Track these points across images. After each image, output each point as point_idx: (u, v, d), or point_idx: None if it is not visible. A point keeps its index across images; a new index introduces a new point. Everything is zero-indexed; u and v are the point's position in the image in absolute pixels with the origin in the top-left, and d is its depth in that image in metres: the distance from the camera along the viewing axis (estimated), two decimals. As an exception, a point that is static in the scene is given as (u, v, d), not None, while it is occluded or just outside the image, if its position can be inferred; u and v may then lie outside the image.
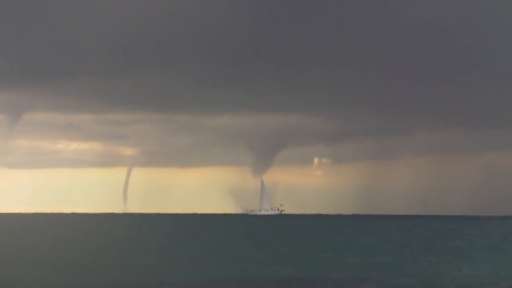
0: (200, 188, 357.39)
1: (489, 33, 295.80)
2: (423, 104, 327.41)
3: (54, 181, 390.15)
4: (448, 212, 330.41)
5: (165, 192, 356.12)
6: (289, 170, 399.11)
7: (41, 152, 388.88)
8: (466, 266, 62.80)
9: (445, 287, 50.02)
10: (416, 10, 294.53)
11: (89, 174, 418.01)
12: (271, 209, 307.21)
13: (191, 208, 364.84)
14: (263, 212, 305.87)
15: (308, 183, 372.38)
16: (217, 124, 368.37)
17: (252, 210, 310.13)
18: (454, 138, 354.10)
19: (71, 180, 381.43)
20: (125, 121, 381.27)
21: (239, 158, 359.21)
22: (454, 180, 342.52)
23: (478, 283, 51.26)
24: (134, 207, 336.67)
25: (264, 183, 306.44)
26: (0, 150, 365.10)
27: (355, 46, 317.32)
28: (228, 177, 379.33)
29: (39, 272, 57.91)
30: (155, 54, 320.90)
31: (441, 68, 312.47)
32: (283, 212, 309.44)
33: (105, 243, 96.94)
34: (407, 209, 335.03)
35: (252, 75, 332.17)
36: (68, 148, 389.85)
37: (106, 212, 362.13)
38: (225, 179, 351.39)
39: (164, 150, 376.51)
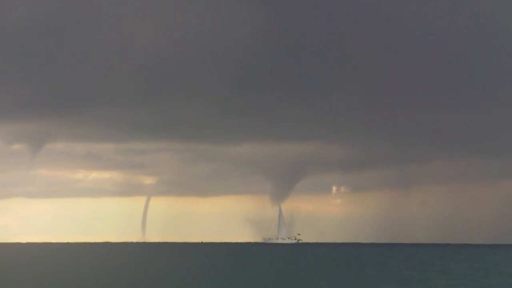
0: (218, 217, 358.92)
1: (507, 59, 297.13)
2: (441, 132, 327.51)
3: (74, 210, 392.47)
4: (467, 240, 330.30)
5: (183, 221, 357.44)
6: (308, 198, 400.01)
7: (60, 182, 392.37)
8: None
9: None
10: (438, 37, 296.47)
11: (108, 204, 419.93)
12: (288, 238, 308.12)
13: (209, 237, 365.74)
14: (280, 241, 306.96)
15: (326, 212, 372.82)
16: (236, 152, 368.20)
17: (270, 239, 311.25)
18: (472, 166, 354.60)
19: (91, 210, 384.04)
20: (145, 150, 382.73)
21: (257, 186, 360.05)
22: (473, 209, 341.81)
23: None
24: (153, 236, 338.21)
25: (282, 211, 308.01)
26: (20, 180, 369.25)
27: (374, 73, 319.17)
28: (247, 206, 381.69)
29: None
30: (175, 82, 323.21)
31: (459, 96, 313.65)
32: (300, 241, 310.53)
33: (122, 274, 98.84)
34: (426, 238, 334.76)
35: (271, 103, 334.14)
36: (88, 178, 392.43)
37: (125, 241, 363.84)
38: (243, 207, 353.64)
39: (183, 179, 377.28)
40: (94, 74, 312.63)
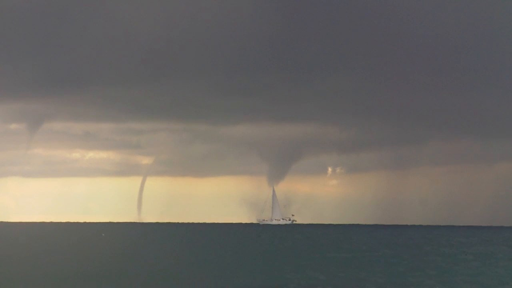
0: (215, 198, 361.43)
1: (505, 44, 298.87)
2: (437, 114, 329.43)
3: (70, 190, 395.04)
4: (463, 222, 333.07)
5: (179, 201, 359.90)
6: (304, 179, 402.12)
7: (57, 161, 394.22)
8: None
9: None
10: (433, 22, 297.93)
11: (105, 183, 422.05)
12: (282, 219, 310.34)
13: (204, 218, 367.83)
14: (274, 222, 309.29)
15: (323, 193, 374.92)
16: (233, 133, 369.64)
17: (264, 220, 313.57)
18: (470, 148, 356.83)
19: (87, 189, 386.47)
20: (142, 130, 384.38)
21: (254, 167, 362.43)
22: (470, 190, 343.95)
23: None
24: (149, 217, 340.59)
25: (275, 192, 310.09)
26: (17, 159, 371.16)
27: (371, 56, 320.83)
28: (243, 187, 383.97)
29: (46, 283, 61.83)
30: (173, 63, 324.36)
31: (455, 78, 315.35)
32: (294, 222, 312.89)
33: (115, 253, 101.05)
34: (423, 219, 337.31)
35: (270, 84, 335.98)
36: (85, 158, 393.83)
37: (121, 222, 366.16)
38: (240, 188, 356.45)
39: (179, 159, 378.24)
40: (94, 54, 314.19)
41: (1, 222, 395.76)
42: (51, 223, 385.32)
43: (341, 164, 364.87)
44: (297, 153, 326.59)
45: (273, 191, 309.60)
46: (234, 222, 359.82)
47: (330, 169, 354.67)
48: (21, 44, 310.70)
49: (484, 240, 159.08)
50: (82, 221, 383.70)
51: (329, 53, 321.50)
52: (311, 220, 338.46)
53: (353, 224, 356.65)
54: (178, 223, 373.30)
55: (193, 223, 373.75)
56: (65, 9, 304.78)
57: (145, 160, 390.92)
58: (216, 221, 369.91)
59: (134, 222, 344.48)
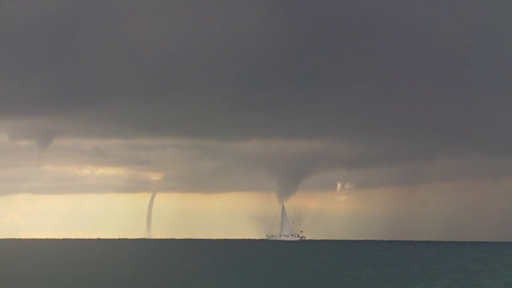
0: (224, 214, 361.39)
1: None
2: (446, 129, 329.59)
3: (80, 206, 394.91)
4: (474, 238, 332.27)
5: (188, 217, 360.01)
6: (314, 195, 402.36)
7: (67, 178, 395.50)
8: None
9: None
10: (443, 37, 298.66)
11: (115, 200, 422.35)
12: (291, 235, 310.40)
13: (214, 234, 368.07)
14: (283, 238, 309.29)
15: (332, 209, 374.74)
16: (242, 149, 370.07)
17: (273, 236, 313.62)
18: (478, 163, 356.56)
19: (97, 206, 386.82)
20: (151, 146, 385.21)
21: (264, 183, 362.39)
22: (479, 206, 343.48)
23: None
24: (158, 233, 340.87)
25: (285, 208, 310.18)
26: (27, 176, 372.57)
27: (381, 72, 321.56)
28: (253, 203, 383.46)
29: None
30: (183, 79, 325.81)
31: (464, 93, 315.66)
32: (303, 238, 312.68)
33: (124, 271, 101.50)
34: (432, 235, 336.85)
35: (279, 100, 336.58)
36: (94, 174, 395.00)
37: (130, 238, 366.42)
38: (249, 204, 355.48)
39: (188, 175, 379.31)
40: (103, 70, 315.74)
41: (11, 239, 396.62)
42: (61, 239, 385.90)
43: (350, 179, 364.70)
44: (306, 169, 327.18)
45: (283, 206, 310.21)
46: (243, 238, 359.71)
47: (339, 185, 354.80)
48: (31, 60, 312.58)
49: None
50: (92, 237, 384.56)
51: (339, 68, 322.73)
52: (320, 236, 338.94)
53: (362, 240, 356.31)
54: (187, 239, 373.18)
55: (202, 239, 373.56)
56: (75, 25, 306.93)
57: (155, 176, 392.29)
58: (225, 237, 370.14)
59: (144, 239, 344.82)
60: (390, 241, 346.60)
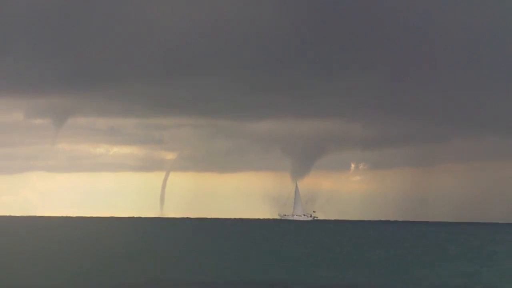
0: (238, 193, 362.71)
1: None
2: (460, 111, 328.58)
3: (94, 185, 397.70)
4: (487, 219, 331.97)
5: (202, 196, 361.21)
6: (328, 175, 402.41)
7: (82, 156, 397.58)
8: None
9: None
10: (457, 19, 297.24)
11: (129, 178, 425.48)
12: (304, 215, 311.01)
13: (227, 213, 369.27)
14: (296, 218, 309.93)
15: (346, 189, 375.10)
16: (256, 129, 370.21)
17: (285, 215, 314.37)
18: (492, 144, 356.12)
19: (111, 184, 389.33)
20: (166, 126, 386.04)
21: (278, 163, 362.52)
22: (492, 187, 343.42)
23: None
24: (171, 212, 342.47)
25: (298, 188, 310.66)
26: (42, 154, 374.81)
27: (395, 53, 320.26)
28: (266, 182, 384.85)
29: (60, 276, 63.02)
30: (198, 59, 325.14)
31: (478, 75, 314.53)
32: (316, 218, 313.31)
33: (134, 247, 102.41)
34: (446, 216, 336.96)
35: (294, 80, 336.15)
36: (109, 153, 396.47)
37: (144, 216, 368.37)
38: (263, 184, 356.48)
39: (202, 154, 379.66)
40: (119, 50, 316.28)
41: (27, 216, 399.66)
42: (75, 217, 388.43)
43: (364, 160, 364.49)
44: (320, 149, 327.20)
45: (296, 186, 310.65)
46: (256, 217, 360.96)
47: (353, 165, 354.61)
48: (47, 39, 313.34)
49: None
50: (105, 215, 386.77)
51: (353, 49, 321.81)
52: (334, 216, 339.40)
53: (375, 221, 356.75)
54: (200, 218, 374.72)
55: (215, 218, 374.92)
56: (91, 6, 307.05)
57: (169, 156, 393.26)
58: (238, 217, 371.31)
59: (157, 217, 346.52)
60: (403, 222, 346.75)
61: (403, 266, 73.86)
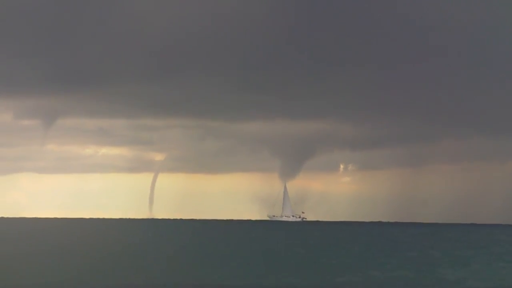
0: (226, 194, 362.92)
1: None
2: (450, 111, 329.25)
3: (83, 186, 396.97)
4: (477, 220, 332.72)
5: (190, 198, 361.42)
6: (317, 176, 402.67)
7: (71, 157, 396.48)
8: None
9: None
10: (448, 18, 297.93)
11: (118, 179, 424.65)
12: (293, 216, 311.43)
13: (216, 214, 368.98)
14: (284, 219, 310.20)
15: (335, 190, 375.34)
16: (246, 129, 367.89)
17: (274, 216, 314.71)
18: (482, 145, 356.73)
19: (100, 185, 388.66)
20: (155, 127, 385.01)
21: (267, 164, 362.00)
22: (482, 188, 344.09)
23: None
24: (160, 213, 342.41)
25: (287, 189, 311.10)
26: (31, 155, 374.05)
27: (385, 53, 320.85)
28: (255, 184, 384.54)
29: (50, 277, 63.53)
30: (187, 60, 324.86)
31: (468, 76, 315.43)
32: (304, 219, 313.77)
33: (123, 249, 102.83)
34: (435, 217, 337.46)
35: (283, 81, 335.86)
36: (98, 154, 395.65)
37: (133, 218, 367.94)
38: (251, 185, 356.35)
39: (192, 155, 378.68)
40: (108, 50, 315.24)
41: (15, 217, 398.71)
42: (64, 218, 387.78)
43: (354, 161, 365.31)
44: (309, 150, 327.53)
45: (285, 187, 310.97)
46: (245, 218, 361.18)
47: (342, 166, 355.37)
48: (34, 40, 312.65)
49: None
50: (94, 217, 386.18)
51: (342, 49, 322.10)
52: (323, 217, 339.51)
53: (365, 222, 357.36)
54: (189, 219, 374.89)
55: (204, 220, 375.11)
56: (78, 5, 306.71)
57: (158, 157, 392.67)
58: (227, 217, 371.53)
59: (146, 219, 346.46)
60: (393, 223, 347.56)
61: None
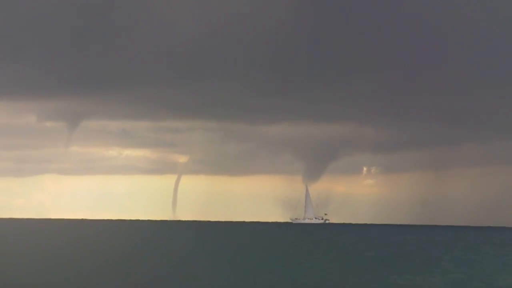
0: (249, 197, 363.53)
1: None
2: (472, 115, 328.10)
3: (107, 187, 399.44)
4: (499, 223, 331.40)
5: (213, 200, 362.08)
6: (340, 179, 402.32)
7: (94, 159, 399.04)
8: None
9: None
10: (469, 22, 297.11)
11: (140, 181, 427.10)
12: (315, 218, 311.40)
13: (238, 216, 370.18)
14: (307, 221, 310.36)
15: (358, 193, 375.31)
16: (269, 132, 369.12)
17: (296, 219, 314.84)
18: (504, 149, 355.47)
19: (123, 187, 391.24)
20: (178, 129, 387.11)
21: (290, 167, 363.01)
22: (504, 191, 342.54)
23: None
24: (183, 215, 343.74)
25: (309, 191, 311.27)
26: (54, 157, 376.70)
27: (409, 58, 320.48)
28: (278, 186, 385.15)
29: (73, 277, 64.20)
30: (211, 63, 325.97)
31: (491, 79, 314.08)
32: (327, 221, 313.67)
33: (147, 250, 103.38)
34: (459, 220, 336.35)
35: (306, 85, 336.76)
36: (121, 155, 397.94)
37: (156, 219, 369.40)
38: (275, 187, 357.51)
39: (214, 158, 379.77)
40: (132, 54, 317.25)
41: (39, 219, 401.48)
42: (87, 220, 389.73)
43: (376, 164, 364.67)
44: (332, 153, 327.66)
45: (306, 190, 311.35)
46: (267, 220, 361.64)
47: (365, 169, 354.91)
48: (60, 43, 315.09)
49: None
50: (117, 218, 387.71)
51: (366, 54, 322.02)
52: (346, 220, 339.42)
53: (387, 224, 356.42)
54: (212, 221, 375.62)
55: (226, 222, 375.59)
56: (103, 9, 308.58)
57: (181, 159, 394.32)
58: (249, 220, 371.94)
59: (169, 220, 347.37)
60: (415, 226, 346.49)
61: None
